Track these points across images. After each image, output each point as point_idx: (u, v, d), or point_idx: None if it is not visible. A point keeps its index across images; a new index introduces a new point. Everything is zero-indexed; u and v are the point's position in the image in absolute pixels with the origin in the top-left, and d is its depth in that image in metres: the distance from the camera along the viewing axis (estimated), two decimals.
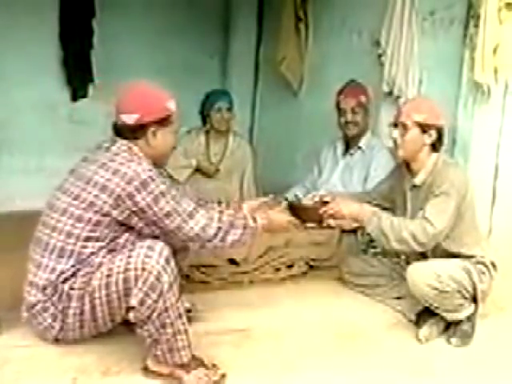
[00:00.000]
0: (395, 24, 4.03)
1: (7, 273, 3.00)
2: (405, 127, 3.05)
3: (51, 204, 2.53)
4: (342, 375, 2.73)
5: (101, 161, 2.48)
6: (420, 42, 3.94)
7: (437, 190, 2.98)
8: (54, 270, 2.43)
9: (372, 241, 3.70)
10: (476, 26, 3.50)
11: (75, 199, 2.44)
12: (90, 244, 2.43)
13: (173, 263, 2.41)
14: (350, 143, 4.24)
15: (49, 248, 2.45)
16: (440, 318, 3.12)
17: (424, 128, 3.03)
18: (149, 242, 2.41)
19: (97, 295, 2.38)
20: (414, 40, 3.96)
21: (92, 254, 2.44)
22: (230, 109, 4.53)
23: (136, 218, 2.47)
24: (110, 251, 2.46)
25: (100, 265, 2.41)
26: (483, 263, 3.08)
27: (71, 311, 2.42)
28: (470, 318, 3.11)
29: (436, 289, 2.93)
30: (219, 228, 2.58)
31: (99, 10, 5.20)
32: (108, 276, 2.36)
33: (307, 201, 3.12)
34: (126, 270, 2.34)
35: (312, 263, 3.77)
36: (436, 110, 3.11)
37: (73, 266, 2.43)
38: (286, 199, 4.37)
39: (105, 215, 2.42)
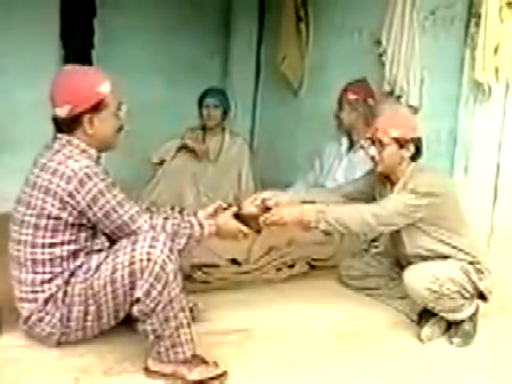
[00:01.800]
0: (396, 23, 4.02)
1: (7, 273, 3.00)
2: (382, 144, 3.02)
3: (13, 218, 2.47)
4: (343, 375, 2.73)
5: (41, 161, 2.42)
6: (421, 41, 3.92)
7: (406, 187, 2.98)
8: (34, 281, 2.41)
9: (374, 240, 3.71)
10: (477, 25, 3.49)
11: (27, 208, 2.39)
12: (57, 250, 2.39)
13: (176, 252, 2.40)
14: (353, 141, 4.28)
15: (21, 262, 2.42)
16: (441, 318, 3.12)
17: (401, 143, 3.00)
18: (152, 233, 2.39)
19: (102, 294, 2.38)
20: (414, 39, 3.95)
21: (68, 257, 2.41)
22: (217, 106, 4.58)
23: (84, 218, 2.39)
24: (92, 252, 2.44)
25: (98, 267, 2.40)
26: (479, 263, 3.07)
27: (74, 315, 2.42)
28: (472, 318, 3.11)
29: (435, 291, 2.92)
30: None
31: (100, 10, 5.20)
32: (113, 272, 2.35)
33: (249, 205, 2.99)
34: (132, 263, 2.33)
35: (313, 263, 3.77)
36: (411, 123, 3.12)
37: (51, 272, 2.40)
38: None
39: (56, 219, 2.36)
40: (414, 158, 3.07)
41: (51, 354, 2.53)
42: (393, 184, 3.12)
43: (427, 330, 3.10)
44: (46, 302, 2.42)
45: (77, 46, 5.16)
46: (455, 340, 3.09)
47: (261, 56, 5.85)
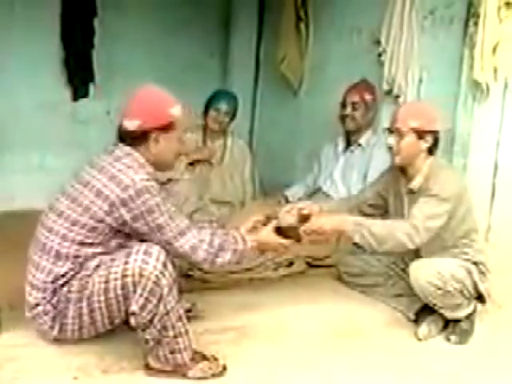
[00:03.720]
0: (395, 23, 4.03)
1: (7, 272, 3.01)
2: (401, 133, 3.02)
3: (51, 205, 2.52)
4: (340, 373, 2.74)
5: (101, 164, 2.47)
6: (420, 40, 3.93)
7: (429, 192, 2.96)
8: (50, 272, 2.43)
9: None
10: (476, 24, 3.50)
11: (72, 202, 2.44)
12: (84, 249, 2.42)
13: (170, 266, 2.40)
14: (350, 140, 4.28)
15: (46, 249, 2.44)
16: (439, 316, 3.13)
17: (420, 134, 3.01)
18: (145, 246, 2.39)
19: (95, 299, 2.39)
20: (413, 39, 3.95)
21: (86, 259, 2.43)
22: (228, 113, 4.51)
23: (129, 227, 2.44)
24: (104, 253, 2.45)
25: (96, 268, 2.41)
26: (482, 263, 3.08)
27: (70, 313, 2.43)
28: (469, 317, 3.13)
29: (438, 287, 2.94)
30: (209, 253, 2.53)
31: (101, 10, 5.20)
32: (106, 282, 2.36)
33: (286, 215, 2.97)
34: (124, 276, 2.34)
35: (311, 262, 3.78)
36: (431, 115, 3.09)
37: (70, 269, 2.42)
38: (286, 198, 4.41)
39: (99, 221, 2.40)
40: (432, 151, 3.07)
41: (50, 352, 2.54)
42: (409, 179, 3.12)
43: (424, 328, 3.11)
44: (53, 294, 2.43)
45: (77, 46, 5.15)
46: (452, 338, 3.10)
47: (260, 56, 5.85)
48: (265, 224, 2.84)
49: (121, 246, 2.47)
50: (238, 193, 4.66)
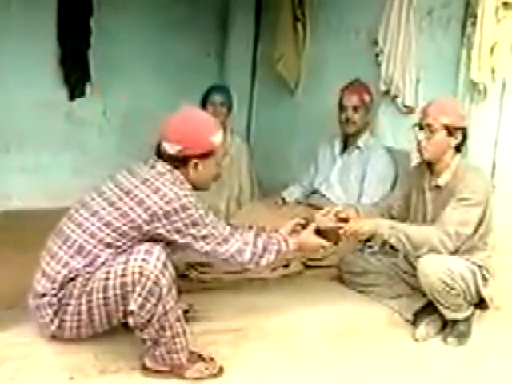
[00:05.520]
0: (393, 23, 4.03)
1: (5, 271, 3.00)
2: (431, 129, 3.03)
3: (84, 201, 2.52)
4: (338, 374, 2.74)
5: (144, 176, 2.47)
6: (417, 40, 3.93)
7: (459, 195, 2.98)
8: (66, 264, 2.41)
9: (368, 240, 3.71)
10: (473, 25, 3.50)
11: (110, 206, 2.43)
12: (108, 250, 2.41)
13: (170, 266, 2.41)
14: (348, 142, 4.25)
15: (69, 242, 2.43)
16: (437, 318, 3.14)
17: (451, 130, 3.03)
18: (146, 245, 2.40)
19: (94, 297, 2.38)
20: (411, 39, 3.95)
21: (109, 259, 2.42)
22: (223, 103, 4.56)
23: (167, 238, 2.45)
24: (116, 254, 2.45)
25: (100, 266, 2.41)
26: (487, 268, 3.09)
27: (70, 309, 2.42)
28: (467, 319, 3.12)
29: (446, 283, 2.94)
30: (254, 253, 2.61)
31: (97, 9, 5.19)
32: (106, 279, 2.36)
33: (323, 218, 3.01)
34: (123, 275, 2.34)
35: (308, 263, 3.77)
36: (461, 112, 3.14)
37: (84, 266, 2.41)
38: (283, 199, 4.40)
39: (134, 228, 2.41)
40: (459, 148, 3.09)
41: (47, 352, 2.53)
42: (436, 175, 3.13)
43: (422, 329, 3.11)
44: (61, 287, 2.42)
45: (74, 45, 5.14)
46: (450, 340, 3.10)
47: (257, 55, 5.83)
48: (303, 226, 2.90)
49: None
50: (234, 189, 4.67)
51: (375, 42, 4.21)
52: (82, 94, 5.29)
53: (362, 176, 4.09)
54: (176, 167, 2.51)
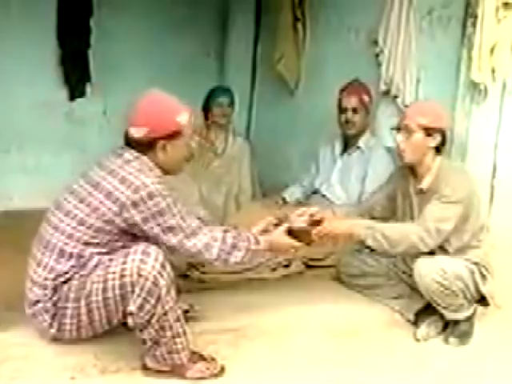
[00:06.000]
0: (393, 23, 4.03)
1: (5, 271, 3.00)
2: (409, 130, 3.02)
3: (58, 203, 2.51)
4: (339, 374, 2.73)
5: (110, 167, 2.46)
6: (418, 40, 3.93)
7: (440, 193, 2.96)
8: (52, 269, 2.42)
9: None
10: (474, 25, 3.49)
11: (81, 202, 2.43)
12: (89, 249, 2.41)
13: (168, 267, 2.40)
14: (348, 142, 4.25)
15: (49, 246, 2.44)
16: (438, 318, 3.13)
17: (429, 131, 3.01)
18: (143, 246, 2.39)
19: (93, 299, 2.38)
20: (411, 39, 3.95)
21: (90, 258, 2.42)
22: (230, 105, 4.67)
23: (138, 228, 2.44)
24: (107, 254, 2.44)
25: (95, 267, 2.41)
26: (484, 265, 3.08)
27: (68, 312, 2.42)
28: (469, 318, 3.12)
29: (442, 285, 2.94)
30: (222, 250, 2.55)
31: (97, 9, 5.19)
32: (104, 281, 2.36)
33: (297, 218, 2.97)
34: (122, 276, 2.34)
35: (309, 263, 3.77)
36: (440, 113, 3.11)
37: (71, 267, 2.41)
38: (284, 199, 4.40)
39: (107, 222, 2.40)
40: (440, 150, 3.08)
41: (47, 352, 2.53)
42: (418, 179, 3.12)
43: (423, 329, 3.11)
44: (54, 292, 2.42)
45: (73, 45, 5.14)
46: (451, 340, 3.09)
47: (257, 55, 5.83)
48: (276, 226, 2.85)
49: (125, 248, 2.45)
50: (232, 187, 4.68)
51: (375, 42, 4.21)
52: (82, 94, 5.29)
53: (362, 176, 4.09)
54: (144, 153, 2.49)
